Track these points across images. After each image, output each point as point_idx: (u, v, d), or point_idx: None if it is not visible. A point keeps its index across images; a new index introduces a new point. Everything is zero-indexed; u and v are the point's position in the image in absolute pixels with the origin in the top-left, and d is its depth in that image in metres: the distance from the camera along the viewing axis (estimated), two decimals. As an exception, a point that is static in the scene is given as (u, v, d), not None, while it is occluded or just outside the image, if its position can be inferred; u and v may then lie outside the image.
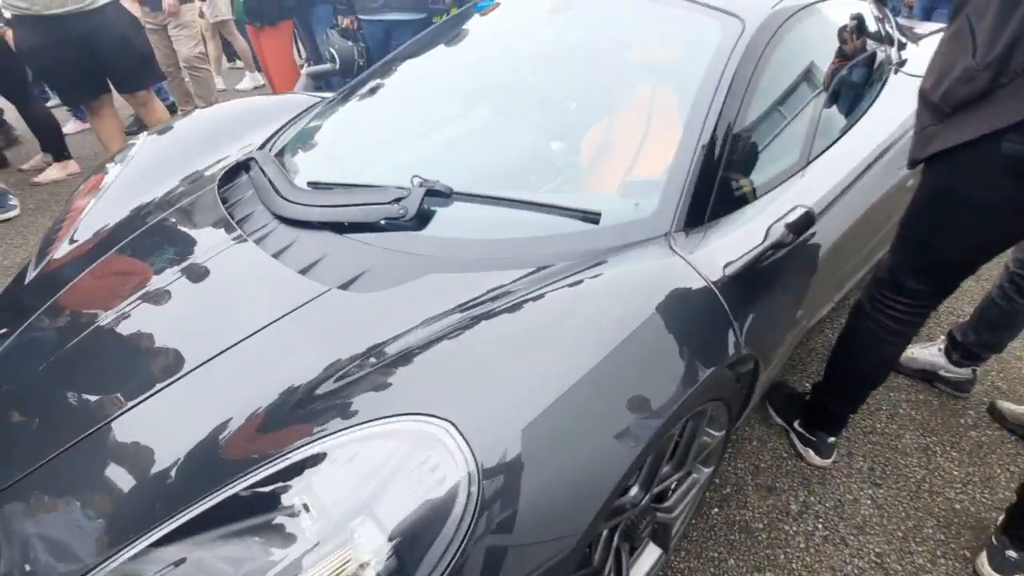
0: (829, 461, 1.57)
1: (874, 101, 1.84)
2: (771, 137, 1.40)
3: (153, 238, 1.32)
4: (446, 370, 0.81)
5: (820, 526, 1.43)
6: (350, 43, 2.95)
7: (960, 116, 1.06)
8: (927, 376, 1.86)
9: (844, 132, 1.65)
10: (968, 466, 1.59)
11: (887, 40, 1.99)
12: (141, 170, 1.58)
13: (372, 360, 0.88)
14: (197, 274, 1.16)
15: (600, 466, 0.81)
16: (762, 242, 0.98)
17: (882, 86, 1.91)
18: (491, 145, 1.46)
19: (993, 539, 1.32)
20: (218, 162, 1.59)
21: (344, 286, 1.05)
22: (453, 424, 0.72)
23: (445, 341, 0.85)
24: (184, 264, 1.19)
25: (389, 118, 1.59)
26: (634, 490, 0.96)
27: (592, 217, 1.11)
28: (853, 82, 1.84)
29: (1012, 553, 1.27)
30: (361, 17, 2.87)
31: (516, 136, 1.46)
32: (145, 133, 1.75)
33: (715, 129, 1.21)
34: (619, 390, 0.84)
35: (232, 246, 1.21)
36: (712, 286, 0.95)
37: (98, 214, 1.44)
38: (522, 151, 1.41)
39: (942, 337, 1.86)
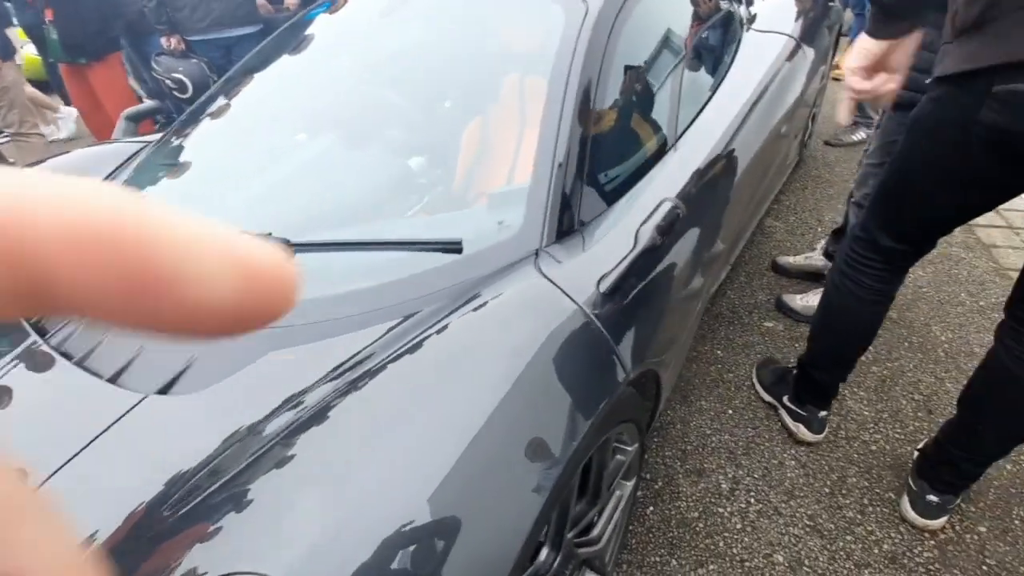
0: (821, 436, 1.51)
1: (731, 64, 1.82)
2: (636, 120, 1.33)
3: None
4: (276, 502, 0.66)
5: (752, 500, 1.41)
6: (194, 60, 2.61)
7: (960, 42, 0.91)
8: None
9: (707, 101, 1.61)
10: (876, 404, 1.64)
11: (736, -3, 1.98)
12: None
13: (192, 493, 0.71)
14: None
15: (500, 537, 0.70)
16: (632, 249, 0.89)
17: (737, 46, 1.91)
18: (339, 175, 1.28)
19: (911, 483, 1.33)
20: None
21: (163, 389, 0.87)
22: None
23: (277, 450, 0.70)
24: None
25: (216, 161, 1.37)
26: (544, 552, 0.86)
27: (453, 247, 0.98)
28: (710, 46, 1.82)
29: (933, 497, 1.28)
30: (190, 39, 2.54)
31: (365, 160, 1.30)
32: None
33: (574, 122, 1.11)
34: (506, 451, 0.73)
35: (26, 357, 0.98)
36: (585, 309, 0.85)
37: None
38: (375, 177, 1.25)
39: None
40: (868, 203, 1.23)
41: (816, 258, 2.11)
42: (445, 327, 0.84)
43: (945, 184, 1.06)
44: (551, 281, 0.86)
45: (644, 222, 0.90)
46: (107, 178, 1.48)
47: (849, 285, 1.29)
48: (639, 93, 1.37)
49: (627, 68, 1.33)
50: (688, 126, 1.48)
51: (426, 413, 0.74)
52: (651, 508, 1.41)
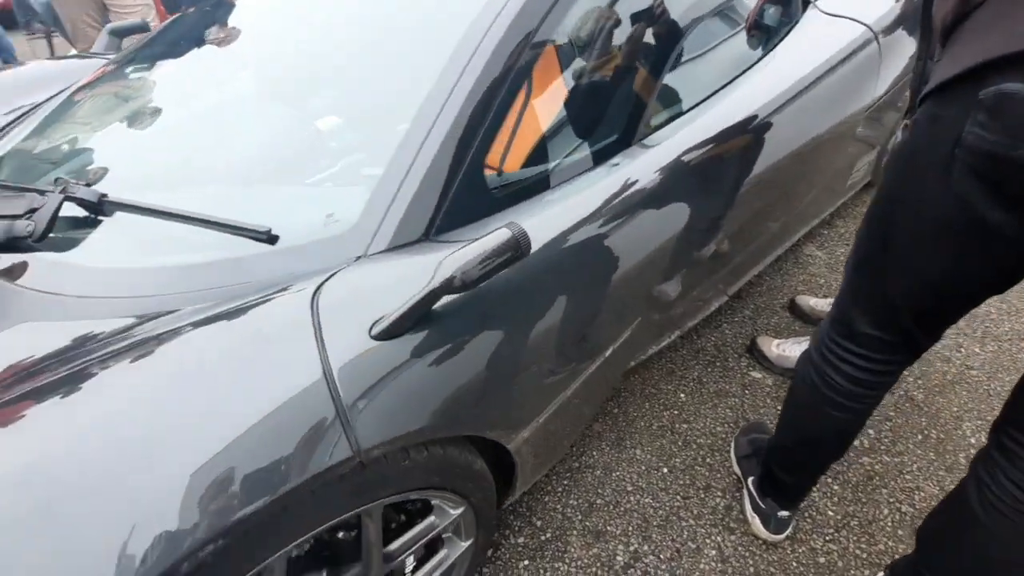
0: (780, 537, 1.22)
1: (775, 46, 1.45)
2: (578, 105, 1.06)
3: None
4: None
5: (646, 584, 1.19)
6: None
7: (943, 53, 0.70)
8: None
9: (722, 87, 1.29)
10: (849, 504, 1.30)
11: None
12: None
13: None
14: None
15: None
16: (426, 285, 0.67)
17: (790, 26, 1.52)
18: (214, 131, 1.13)
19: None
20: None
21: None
22: None
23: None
24: None
25: (107, 105, 1.27)
26: None
27: (263, 236, 0.81)
28: (748, 22, 1.45)
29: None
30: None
31: (232, 120, 1.14)
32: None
33: (466, 105, 0.88)
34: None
35: None
36: (326, 366, 0.64)
37: None
38: (231, 140, 1.09)
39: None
40: (845, 270, 0.91)
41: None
42: (163, 334, 0.68)
43: (927, 239, 0.74)
44: (313, 309, 0.67)
45: (450, 254, 0.67)
46: (48, 99, 1.44)
47: (815, 379, 0.99)
48: (596, 71, 1.09)
49: (582, 40, 1.05)
50: (676, 117, 1.18)
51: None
52: (526, 562, 1.22)
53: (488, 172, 0.93)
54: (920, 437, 1.44)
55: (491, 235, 0.67)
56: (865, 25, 1.60)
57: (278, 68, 1.23)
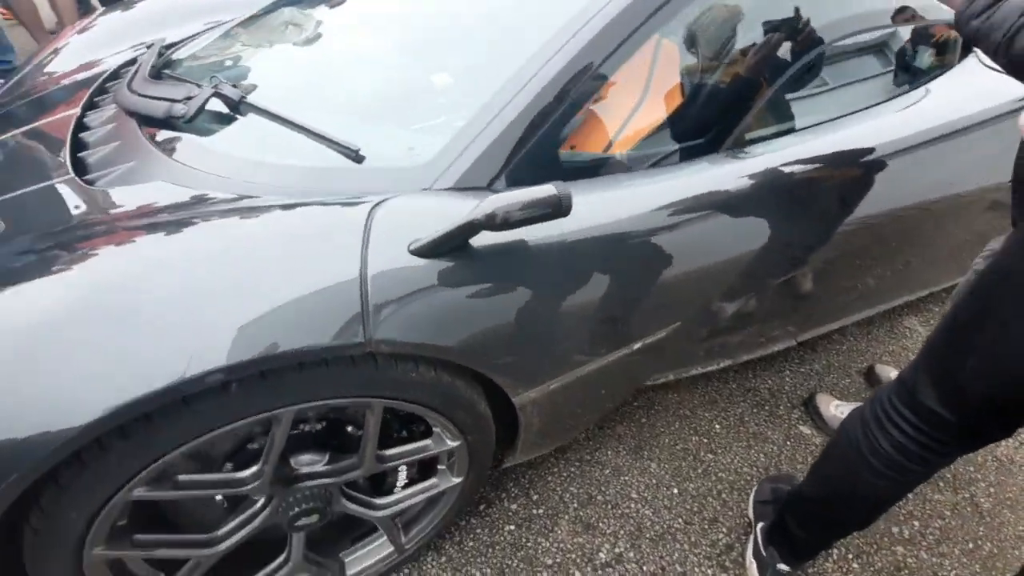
0: None
1: (916, 86, 1.34)
2: (669, 100, 1.07)
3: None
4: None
5: (621, 588, 1.18)
6: None
7: None
8: None
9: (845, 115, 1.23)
10: None
11: None
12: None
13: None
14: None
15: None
16: (465, 217, 0.73)
17: (939, 72, 1.39)
18: (355, 68, 1.27)
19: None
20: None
21: (93, 178, 0.99)
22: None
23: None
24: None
25: (287, 26, 1.46)
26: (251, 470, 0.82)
27: (352, 153, 0.92)
28: (892, 56, 1.36)
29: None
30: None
31: (365, 52, 1.27)
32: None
33: (563, 73, 0.94)
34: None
35: (68, 115, 1.22)
36: (364, 265, 0.72)
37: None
38: (359, 78, 1.23)
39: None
40: (937, 328, 0.84)
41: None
42: (252, 208, 0.82)
43: None
44: (368, 218, 0.76)
45: (496, 195, 0.73)
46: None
47: (859, 437, 0.93)
48: (698, 70, 1.09)
49: (691, 35, 1.06)
50: (781, 134, 1.15)
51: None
52: (512, 527, 1.26)
53: (563, 148, 0.98)
54: (971, 545, 1.28)
55: (538, 187, 0.72)
56: (1032, 90, 1.43)
57: (411, 25, 1.36)
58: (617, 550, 1.24)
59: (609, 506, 1.32)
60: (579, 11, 0.99)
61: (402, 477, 1.01)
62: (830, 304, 1.56)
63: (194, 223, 0.78)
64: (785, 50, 1.14)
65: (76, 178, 0.99)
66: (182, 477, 0.76)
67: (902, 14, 1.31)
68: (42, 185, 0.99)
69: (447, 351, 0.79)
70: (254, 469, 0.80)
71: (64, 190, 0.98)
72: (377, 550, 1.09)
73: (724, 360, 1.49)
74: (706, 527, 1.29)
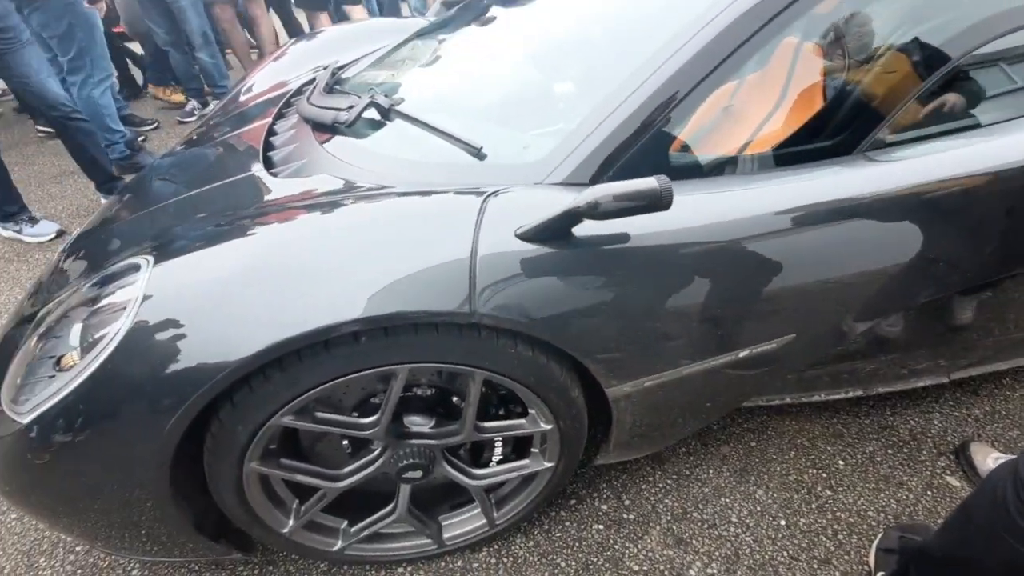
0: None
1: None
2: (795, 98, 1.03)
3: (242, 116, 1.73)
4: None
5: (711, 610, 1.12)
6: None
7: None
8: None
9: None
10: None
11: None
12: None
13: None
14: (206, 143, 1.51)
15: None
16: (570, 205, 0.78)
17: None
18: (489, 76, 1.41)
19: None
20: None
21: (276, 171, 1.23)
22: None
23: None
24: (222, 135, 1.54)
25: (433, 47, 1.65)
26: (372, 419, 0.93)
27: (475, 150, 1.03)
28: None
29: None
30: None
31: (496, 67, 1.39)
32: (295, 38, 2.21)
33: (677, 74, 0.96)
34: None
35: (263, 124, 1.51)
36: (476, 237, 0.82)
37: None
38: (490, 88, 1.35)
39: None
40: None
41: None
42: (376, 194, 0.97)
43: None
44: (482, 205, 0.85)
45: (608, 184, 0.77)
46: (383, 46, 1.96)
47: (1009, 495, 0.81)
48: (831, 63, 1.03)
49: (821, 30, 1.01)
50: (933, 136, 1.04)
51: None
52: (601, 527, 1.27)
53: (674, 147, 0.99)
54: None
55: (640, 180, 0.76)
56: None
57: (541, 38, 1.46)
58: (710, 571, 1.18)
59: (705, 525, 1.26)
60: (696, 17, 1.01)
61: (498, 453, 1.08)
62: (995, 339, 1.34)
63: (343, 204, 0.94)
64: (935, 49, 1.04)
65: (264, 170, 1.23)
66: (320, 414, 0.91)
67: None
68: (240, 176, 1.25)
69: (543, 331, 0.85)
70: (374, 417, 0.92)
71: (254, 180, 1.22)
72: (471, 520, 1.17)
73: (855, 389, 1.35)
74: (815, 566, 1.18)
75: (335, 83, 1.59)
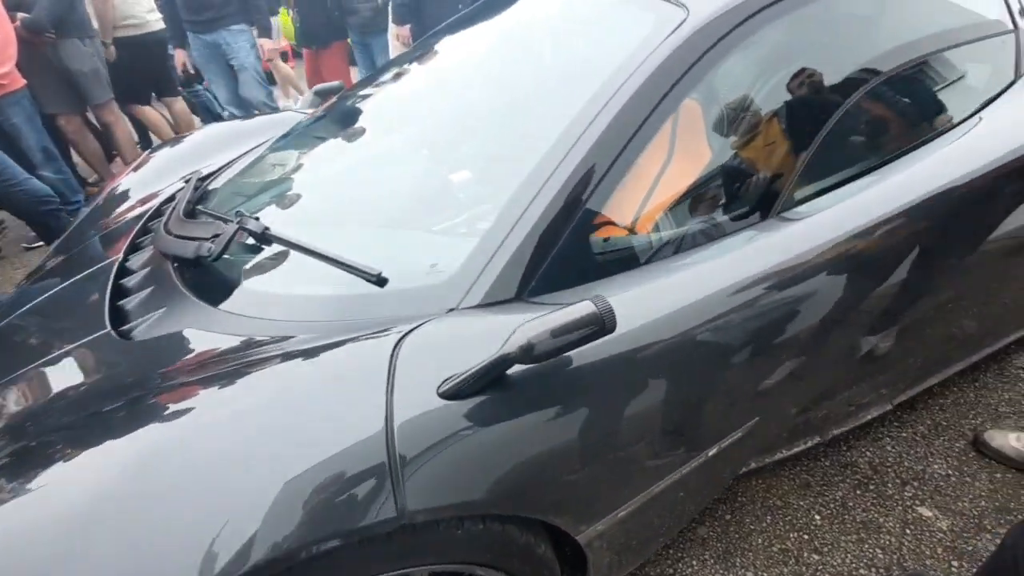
0: None
1: (976, 113, 1.21)
2: (705, 170, 0.99)
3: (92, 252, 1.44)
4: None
5: None
6: None
7: None
8: None
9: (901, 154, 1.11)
10: None
11: (1018, 20, 1.29)
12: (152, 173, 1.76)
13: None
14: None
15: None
16: (497, 352, 0.64)
17: (1004, 90, 1.26)
18: (371, 178, 1.27)
19: None
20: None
21: (126, 330, 0.99)
22: None
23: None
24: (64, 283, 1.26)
25: (312, 147, 1.50)
26: None
27: (374, 278, 0.87)
28: (940, 85, 1.24)
29: None
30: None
31: (389, 166, 1.26)
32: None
33: (584, 162, 0.88)
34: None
35: (105, 269, 1.25)
36: (390, 417, 0.64)
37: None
38: (377, 190, 1.21)
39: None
40: None
41: (1066, 449, 1.31)
42: (264, 358, 0.76)
43: None
44: (392, 359, 0.69)
45: (526, 322, 0.63)
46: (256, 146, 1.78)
47: (1021, 558, 0.76)
48: (732, 131, 1.01)
49: (720, 97, 0.99)
50: (834, 187, 1.04)
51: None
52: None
53: (596, 236, 0.90)
54: None
55: (574, 307, 0.64)
56: None
57: (426, 128, 1.36)
58: None
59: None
60: (598, 90, 0.95)
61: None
62: (925, 358, 1.36)
63: (213, 385, 0.73)
64: (822, 97, 1.06)
65: (112, 332, 0.98)
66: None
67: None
68: (80, 343, 1.00)
69: (490, 504, 0.68)
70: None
71: (99, 347, 0.97)
72: None
73: (812, 438, 1.31)
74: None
75: (198, 201, 1.37)
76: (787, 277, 0.93)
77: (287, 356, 0.74)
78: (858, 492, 1.36)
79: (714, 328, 0.86)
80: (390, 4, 3.19)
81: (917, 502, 1.32)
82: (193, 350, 0.87)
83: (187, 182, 1.55)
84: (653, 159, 0.96)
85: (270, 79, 4.34)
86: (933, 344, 1.35)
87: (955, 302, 1.29)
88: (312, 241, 0.97)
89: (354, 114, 1.60)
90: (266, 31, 3.54)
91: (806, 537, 1.27)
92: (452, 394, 0.66)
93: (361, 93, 1.69)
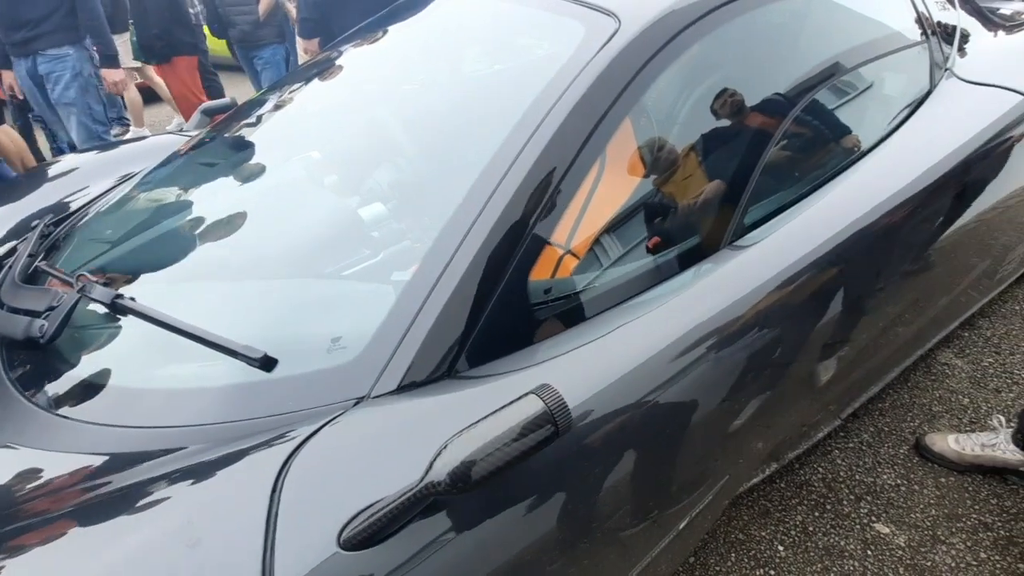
0: None
1: (901, 124, 1.20)
2: (649, 204, 0.88)
3: None
4: None
5: None
6: None
7: None
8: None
9: (838, 172, 1.06)
10: None
11: (929, 30, 1.31)
12: None
13: None
14: None
15: None
16: (418, 483, 0.48)
17: (923, 99, 1.26)
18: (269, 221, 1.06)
19: None
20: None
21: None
22: None
23: None
24: None
25: (181, 183, 1.25)
26: None
27: (257, 362, 0.68)
28: (868, 98, 1.22)
29: None
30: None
31: (278, 208, 1.06)
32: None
33: (512, 205, 0.74)
34: None
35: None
36: (268, 569, 0.46)
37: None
38: (274, 232, 1.00)
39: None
40: None
41: (1002, 446, 1.32)
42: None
43: None
44: (277, 483, 0.51)
45: (437, 456, 0.47)
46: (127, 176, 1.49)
47: None
48: (674, 162, 0.91)
49: (659, 125, 0.88)
50: (778, 211, 0.96)
51: None
52: None
53: (535, 284, 0.76)
54: None
55: (517, 405, 0.49)
56: (1021, 94, 1.31)
57: (329, 154, 1.17)
58: None
59: None
60: (530, 109, 0.81)
61: None
62: (868, 370, 1.35)
63: (41, 525, 0.52)
64: (763, 117, 0.98)
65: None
66: None
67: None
68: None
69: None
70: None
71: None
72: None
73: (769, 465, 1.25)
74: None
75: (48, 253, 1.10)
76: (747, 310, 0.83)
77: (129, 497, 0.54)
78: (816, 514, 1.32)
79: (676, 385, 0.74)
80: (296, 16, 2.90)
81: (873, 518, 1.30)
82: (12, 487, 0.64)
83: (32, 229, 1.26)
84: (594, 186, 0.84)
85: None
86: (874, 355, 1.34)
87: (893, 312, 1.28)
88: (179, 309, 0.76)
89: (243, 139, 1.37)
90: (110, 58, 2.58)
91: (773, 572, 1.21)
92: (358, 542, 0.49)
93: (255, 113, 1.46)
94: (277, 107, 1.38)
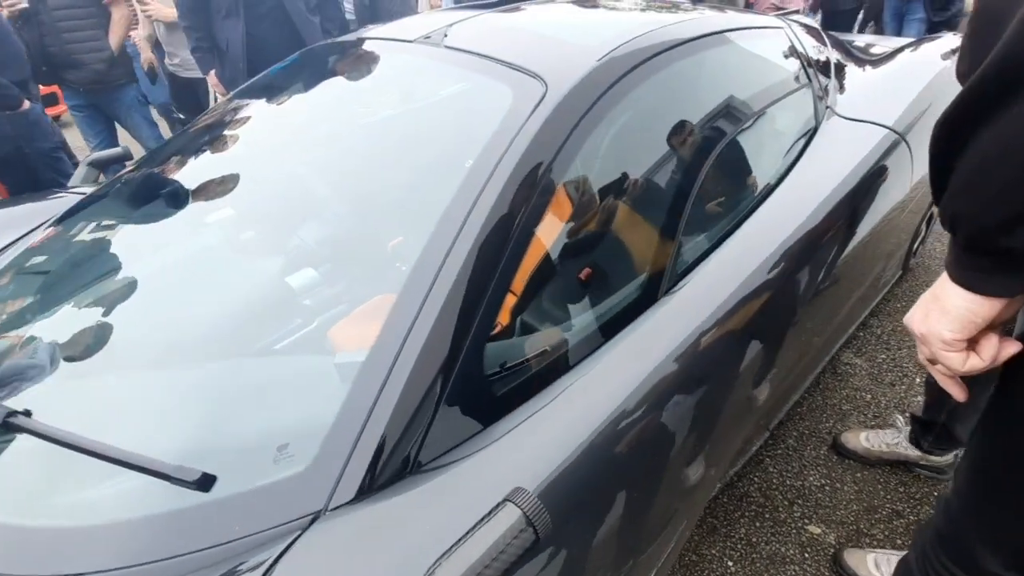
0: None
1: (793, 164, 1.32)
2: (599, 258, 0.90)
3: None
4: None
5: None
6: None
7: None
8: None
9: (748, 215, 1.14)
10: None
11: (817, 72, 1.46)
12: None
13: None
14: None
15: None
16: None
17: (809, 140, 1.40)
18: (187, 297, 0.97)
19: None
20: None
21: None
22: None
23: None
24: None
25: (73, 250, 1.12)
26: None
27: (192, 483, 0.61)
28: (765, 142, 1.33)
29: None
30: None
31: (200, 282, 0.98)
32: None
33: (461, 278, 0.72)
34: None
35: None
36: None
37: None
38: (200, 314, 0.92)
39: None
40: (962, 479, 0.71)
41: (903, 444, 1.48)
42: None
43: None
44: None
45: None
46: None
47: None
48: (608, 219, 0.94)
49: (585, 189, 0.91)
50: (705, 256, 1.02)
51: None
52: None
53: (489, 359, 0.75)
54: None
55: (495, 521, 0.47)
56: (888, 128, 1.49)
57: (248, 212, 1.09)
58: None
59: None
60: (473, 169, 0.81)
61: None
62: (790, 381, 1.47)
63: None
64: (675, 169, 1.04)
65: None
66: None
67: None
68: None
69: None
70: None
71: None
72: None
73: (715, 487, 1.31)
74: None
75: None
76: (697, 349, 0.87)
77: None
78: (757, 524, 1.40)
79: (635, 439, 0.76)
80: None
81: (806, 520, 1.40)
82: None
83: None
84: (536, 270, 0.84)
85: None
86: (795, 367, 1.46)
87: (811, 327, 1.40)
88: (88, 419, 0.67)
89: (146, 193, 1.25)
90: None
91: (726, 589, 1.27)
92: None
93: (158, 162, 1.32)
94: (185, 161, 1.27)
